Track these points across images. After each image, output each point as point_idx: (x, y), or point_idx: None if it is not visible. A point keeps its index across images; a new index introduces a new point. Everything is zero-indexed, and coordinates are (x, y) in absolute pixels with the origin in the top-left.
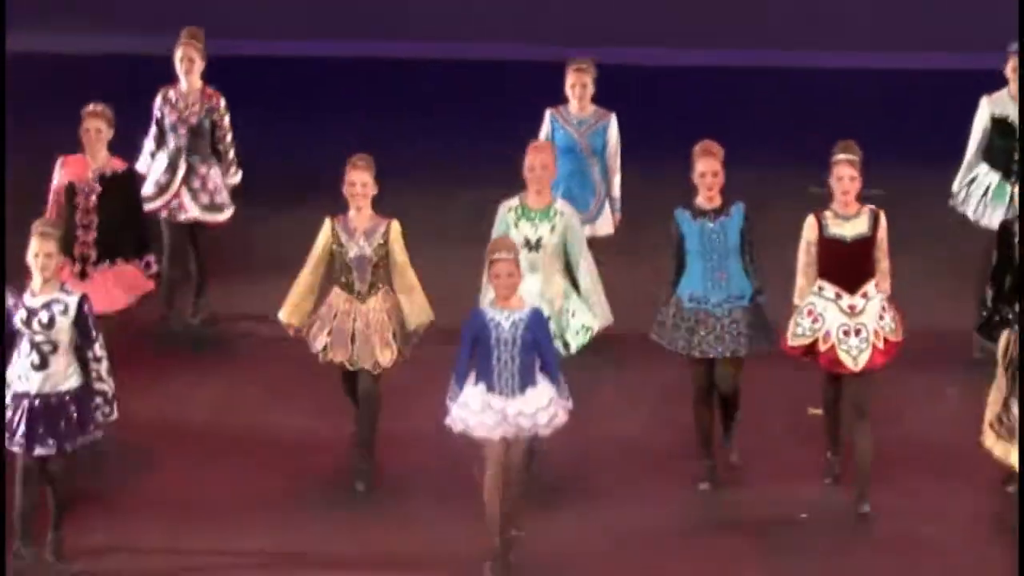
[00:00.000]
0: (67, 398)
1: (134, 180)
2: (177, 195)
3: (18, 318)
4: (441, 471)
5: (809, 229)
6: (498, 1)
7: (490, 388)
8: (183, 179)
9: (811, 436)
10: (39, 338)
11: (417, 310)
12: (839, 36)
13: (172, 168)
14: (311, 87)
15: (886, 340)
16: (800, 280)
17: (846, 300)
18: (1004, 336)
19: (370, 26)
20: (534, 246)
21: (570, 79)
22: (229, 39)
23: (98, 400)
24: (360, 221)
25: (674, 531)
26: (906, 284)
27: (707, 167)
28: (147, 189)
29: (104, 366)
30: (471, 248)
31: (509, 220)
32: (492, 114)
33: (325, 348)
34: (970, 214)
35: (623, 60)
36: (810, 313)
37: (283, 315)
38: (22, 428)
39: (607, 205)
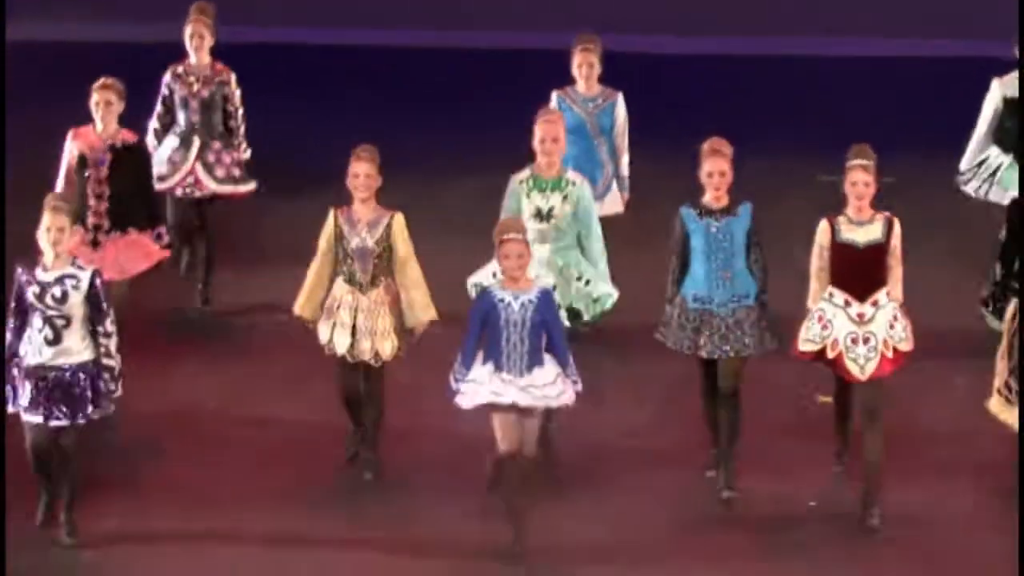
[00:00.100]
0: (80, 372)
1: (145, 152)
2: (192, 171)
3: (31, 293)
4: (448, 460)
5: (822, 233)
6: None
7: (498, 368)
8: (197, 154)
9: (817, 426)
10: (52, 313)
11: (418, 308)
12: (846, 24)
13: (185, 144)
14: (321, 75)
15: (895, 349)
16: (813, 284)
17: (855, 308)
18: (1012, 305)
19: (379, 13)
20: (545, 216)
21: (577, 59)
22: (237, 26)
23: (106, 376)
24: (364, 212)
25: (680, 521)
26: (912, 273)
27: (715, 166)
28: (159, 168)
29: (113, 342)
30: (476, 236)
31: (521, 191)
32: (497, 102)
33: (330, 339)
34: (971, 191)
35: (629, 48)
36: (820, 319)
37: (296, 309)
38: (36, 401)
39: (614, 184)
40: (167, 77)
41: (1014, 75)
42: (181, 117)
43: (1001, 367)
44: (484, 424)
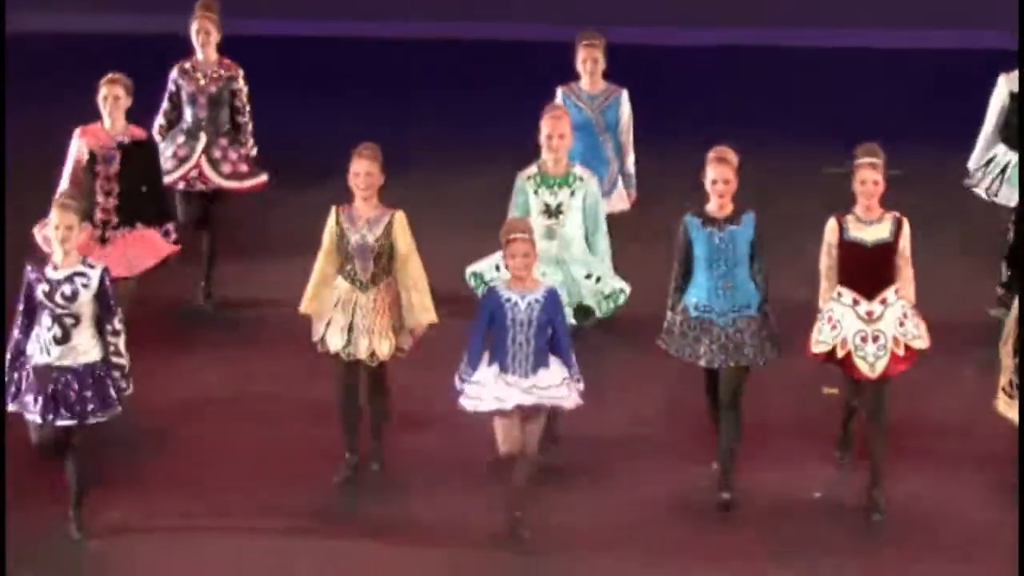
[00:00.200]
0: (88, 371)
1: (154, 148)
2: (197, 165)
3: (40, 291)
4: (452, 451)
5: (830, 232)
6: None
7: (503, 369)
8: (203, 150)
9: (821, 418)
10: (62, 311)
11: (417, 309)
12: (852, 15)
13: (192, 140)
14: (326, 67)
15: (907, 347)
16: (823, 283)
17: (864, 306)
18: (1017, 302)
19: (385, 6)
20: (553, 212)
21: (581, 54)
22: (239, 18)
23: (115, 374)
24: (365, 210)
25: (684, 513)
26: (922, 265)
27: (719, 174)
28: (165, 162)
29: (122, 340)
30: (482, 230)
31: (528, 188)
32: (503, 95)
33: (323, 338)
34: (983, 192)
35: (633, 40)
36: (830, 320)
37: (303, 307)
38: (42, 401)
39: (620, 181)
40: (174, 73)
41: None
42: (188, 113)
43: (1005, 364)
44: (486, 418)
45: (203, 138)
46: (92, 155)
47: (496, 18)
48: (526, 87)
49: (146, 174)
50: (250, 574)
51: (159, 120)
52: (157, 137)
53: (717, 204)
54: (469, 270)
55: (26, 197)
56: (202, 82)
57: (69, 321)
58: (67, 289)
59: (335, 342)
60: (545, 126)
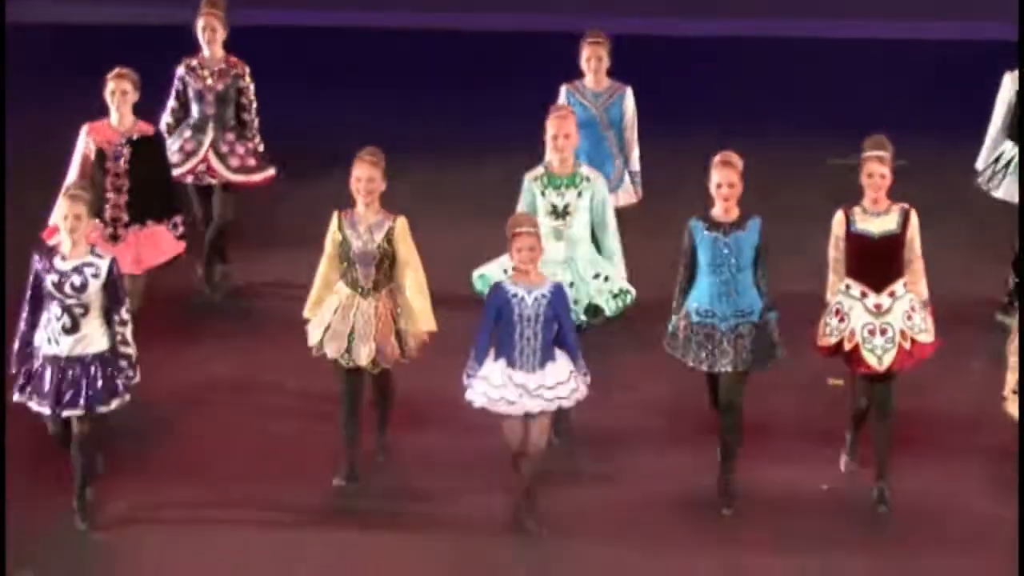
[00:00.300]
0: (97, 361)
1: (162, 143)
2: (205, 159)
3: (49, 282)
4: (459, 445)
5: (837, 224)
6: None
7: (511, 364)
8: (210, 144)
9: (827, 411)
10: (71, 301)
11: (417, 316)
12: (854, 5)
13: (199, 136)
14: (334, 59)
15: (914, 341)
16: (831, 276)
17: (872, 299)
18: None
19: None
20: (561, 213)
21: (585, 52)
22: (244, 9)
23: (123, 363)
24: (366, 215)
25: (691, 505)
26: (928, 256)
27: (723, 178)
28: (172, 156)
29: (129, 330)
30: (489, 221)
31: (535, 189)
32: (507, 86)
33: (320, 343)
34: (1000, 194)
35: (640, 31)
36: (837, 312)
37: (306, 312)
38: (52, 391)
39: (626, 177)
40: (180, 71)
41: None
42: (195, 109)
43: (1012, 365)
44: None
45: (210, 132)
46: (101, 152)
47: (502, 9)
48: (531, 79)
49: (155, 169)
50: (256, 565)
51: (166, 118)
52: (165, 134)
53: (722, 208)
54: (476, 273)
55: (26, 197)
56: (209, 80)
57: (79, 311)
58: (76, 280)
59: (332, 348)
60: (551, 126)
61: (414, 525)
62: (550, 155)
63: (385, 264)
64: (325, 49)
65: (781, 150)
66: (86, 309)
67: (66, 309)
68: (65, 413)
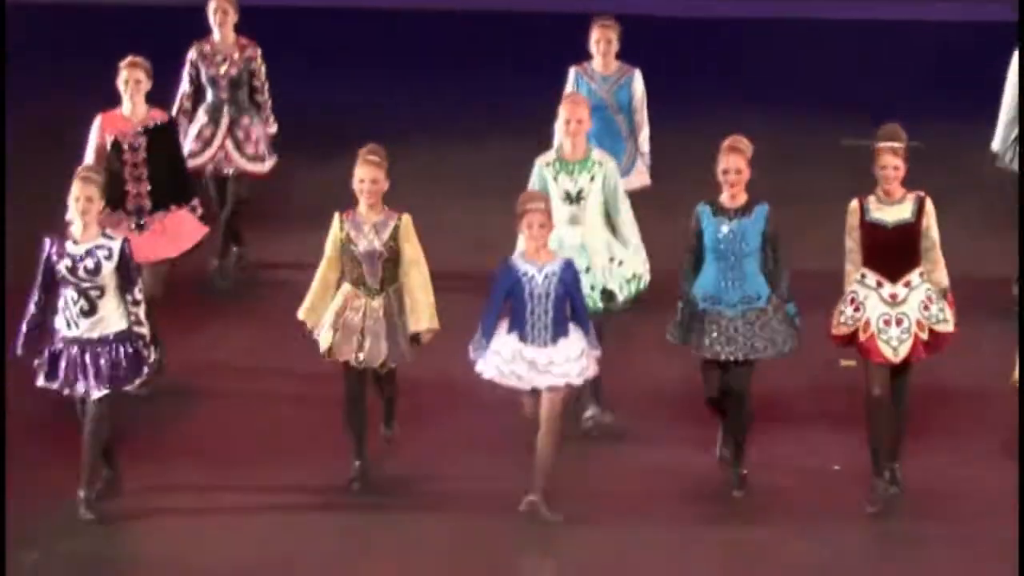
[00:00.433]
0: (116, 341)
1: (176, 129)
2: (222, 147)
3: (63, 266)
4: (464, 423)
5: (851, 214)
6: None
7: (522, 338)
8: (227, 131)
9: (838, 392)
10: (86, 285)
11: (421, 314)
12: None
13: (215, 122)
14: (347, 39)
15: (931, 331)
16: (847, 266)
17: (887, 289)
18: None
19: None
20: (575, 198)
21: (595, 35)
22: None
23: (139, 343)
24: (370, 215)
25: (704, 483)
26: (943, 237)
27: (731, 164)
28: (189, 145)
29: (142, 309)
30: (498, 200)
31: (547, 175)
32: (509, 66)
33: (331, 348)
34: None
35: (649, 11)
36: (852, 301)
37: (301, 314)
38: (74, 373)
39: (638, 160)
40: (192, 55)
41: None
42: (209, 95)
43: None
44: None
45: (226, 119)
46: (116, 144)
47: None
48: (535, 59)
49: (170, 155)
50: (265, 548)
51: (182, 104)
52: (181, 119)
53: (729, 194)
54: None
55: (29, 177)
56: (223, 67)
57: (95, 293)
58: (89, 263)
59: (344, 351)
60: (563, 111)
61: (422, 504)
62: (562, 140)
63: (392, 262)
64: (321, 30)
65: (787, 133)
66: (102, 291)
67: (82, 292)
68: (94, 395)
